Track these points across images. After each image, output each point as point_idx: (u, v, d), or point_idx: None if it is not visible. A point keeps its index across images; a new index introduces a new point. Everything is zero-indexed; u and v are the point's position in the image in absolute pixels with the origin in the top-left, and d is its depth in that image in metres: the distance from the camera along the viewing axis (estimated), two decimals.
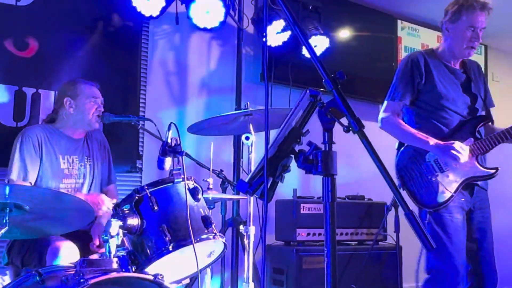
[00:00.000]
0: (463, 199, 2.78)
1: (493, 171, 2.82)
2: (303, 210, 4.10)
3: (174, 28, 4.30)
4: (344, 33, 5.26)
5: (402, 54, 5.71)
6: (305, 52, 4.47)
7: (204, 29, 4.11)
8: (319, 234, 4.12)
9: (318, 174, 1.41)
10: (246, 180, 1.50)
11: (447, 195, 2.74)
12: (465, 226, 2.79)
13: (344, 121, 1.43)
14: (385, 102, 3.01)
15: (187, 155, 3.38)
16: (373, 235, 4.30)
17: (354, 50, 5.34)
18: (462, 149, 2.74)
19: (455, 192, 2.75)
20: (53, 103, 3.42)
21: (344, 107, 1.39)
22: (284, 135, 1.52)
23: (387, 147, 5.40)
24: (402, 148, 2.94)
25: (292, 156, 1.55)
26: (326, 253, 1.37)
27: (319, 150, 1.43)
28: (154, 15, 3.75)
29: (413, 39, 5.82)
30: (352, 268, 4.07)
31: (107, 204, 2.88)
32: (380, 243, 4.37)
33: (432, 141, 2.76)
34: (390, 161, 5.23)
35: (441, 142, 2.76)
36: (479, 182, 2.85)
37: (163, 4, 3.76)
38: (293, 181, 4.38)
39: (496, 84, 6.42)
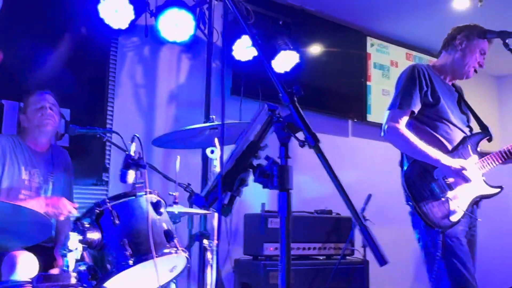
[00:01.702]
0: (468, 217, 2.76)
1: (498, 190, 2.80)
2: (271, 224, 4.09)
3: (144, 41, 4.29)
4: (315, 49, 5.31)
5: (372, 71, 5.79)
6: (274, 66, 4.50)
7: (174, 42, 4.11)
8: None
9: (274, 188, 1.41)
10: (203, 195, 1.49)
11: (459, 214, 2.67)
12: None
13: (300, 135, 1.43)
14: (390, 111, 2.81)
15: (154, 168, 3.36)
16: (341, 249, 4.30)
17: (325, 65, 5.39)
18: (472, 169, 2.71)
19: (466, 209, 2.70)
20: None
21: (301, 121, 1.39)
22: (242, 149, 1.51)
23: (360, 160, 5.48)
24: (408, 164, 2.80)
25: (251, 170, 1.54)
26: (280, 267, 1.36)
27: (276, 165, 1.43)
28: (123, 27, 3.72)
29: (382, 56, 5.91)
30: (320, 283, 4.07)
31: (68, 208, 2.83)
32: (347, 257, 4.38)
33: (444, 159, 2.68)
34: (358, 176, 5.29)
35: (453, 162, 2.69)
36: (478, 199, 2.80)
37: (132, 17, 3.74)
38: (262, 196, 4.37)
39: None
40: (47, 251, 2.90)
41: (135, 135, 2.40)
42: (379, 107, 5.71)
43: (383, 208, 4.88)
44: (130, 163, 2.38)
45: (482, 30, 2.90)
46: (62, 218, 2.83)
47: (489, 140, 2.94)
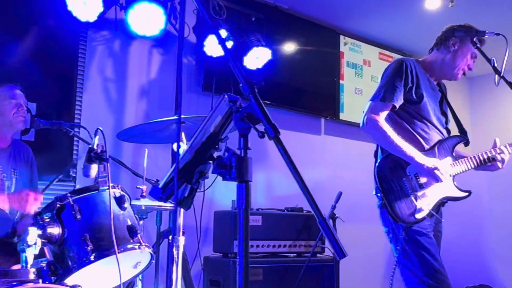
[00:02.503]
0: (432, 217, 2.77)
1: (466, 194, 2.81)
2: None
3: (114, 35, 4.22)
4: (288, 47, 5.30)
5: (345, 69, 5.80)
6: (246, 62, 4.47)
7: (144, 37, 4.05)
8: (257, 246, 4.09)
9: (232, 180, 1.38)
10: (160, 186, 1.45)
11: (424, 212, 2.69)
12: None
13: (260, 127, 1.41)
14: (372, 102, 2.80)
15: (121, 163, 3.31)
16: (311, 247, 4.30)
17: (298, 64, 5.38)
18: (445, 170, 2.73)
19: (432, 209, 2.71)
20: None
21: (261, 112, 1.37)
22: (201, 140, 1.48)
23: (332, 158, 5.49)
24: (382, 157, 2.81)
25: (211, 162, 1.51)
26: (238, 261, 1.34)
27: (235, 156, 1.40)
28: (91, 20, 3.65)
29: (355, 55, 5.93)
30: (290, 280, 4.06)
31: (32, 200, 2.76)
32: (318, 255, 4.38)
33: (418, 157, 2.69)
34: (330, 171, 5.29)
35: (427, 161, 2.70)
36: (445, 200, 2.82)
37: (101, 9, 3.67)
38: (233, 193, 4.34)
39: None
40: (10, 247, 2.82)
41: (99, 128, 2.36)
42: (351, 105, 5.73)
43: (354, 205, 4.90)
44: (92, 156, 2.34)
45: (474, 33, 2.87)
46: (27, 211, 2.76)
47: (466, 144, 2.96)
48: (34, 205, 2.77)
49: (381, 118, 2.74)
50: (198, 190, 3.54)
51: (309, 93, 5.51)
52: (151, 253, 2.42)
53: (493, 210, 5.03)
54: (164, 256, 3.72)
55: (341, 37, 5.80)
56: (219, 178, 1.49)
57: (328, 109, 5.66)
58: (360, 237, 5.29)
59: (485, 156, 2.89)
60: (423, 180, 2.73)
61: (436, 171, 2.69)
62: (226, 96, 1.46)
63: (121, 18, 3.95)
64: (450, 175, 2.79)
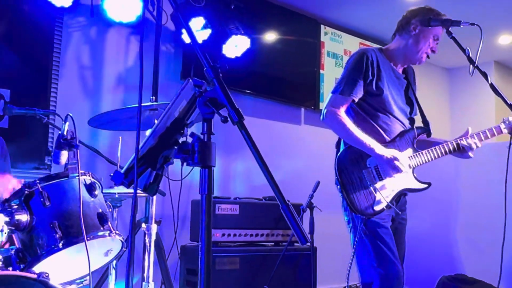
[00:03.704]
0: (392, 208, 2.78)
1: (426, 185, 2.81)
2: (218, 210, 4.05)
3: (90, 21, 4.16)
4: (268, 36, 5.28)
5: (325, 59, 5.80)
6: (226, 51, 4.45)
7: (122, 24, 4.00)
8: (234, 235, 4.09)
9: (195, 165, 1.36)
10: (122, 171, 1.43)
11: (383, 204, 2.69)
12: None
13: (224, 112, 1.39)
14: (332, 95, 2.80)
15: (95, 150, 3.27)
16: (289, 236, 4.31)
17: (278, 53, 5.36)
18: (404, 161, 2.73)
19: (390, 201, 2.71)
20: None
21: (224, 97, 1.35)
22: (165, 125, 1.46)
23: (312, 148, 5.49)
24: (343, 148, 2.80)
25: (176, 147, 1.49)
26: (200, 247, 1.32)
27: (198, 141, 1.38)
28: (66, 5, 3.60)
29: (336, 45, 5.93)
30: (266, 269, 4.06)
31: (14, 184, 2.71)
32: (295, 244, 4.39)
33: (378, 149, 2.68)
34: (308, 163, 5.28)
35: (386, 152, 2.70)
36: (406, 192, 2.82)
37: None
38: None
39: None
40: None
41: (69, 114, 2.32)
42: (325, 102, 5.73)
43: (331, 195, 4.90)
44: (62, 143, 2.30)
45: (435, 15, 2.85)
46: (7, 195, 2.72)
47: (428, 135, 2.96)
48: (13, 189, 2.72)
49: (341, 111, 2.74)
50: (175, 179, 3.51)
51: (289, 82, 5.50)
52: (122, 241, 2.39)
53: (465, 199, 5.10)
54: (140, 245, 3.71)
55: (322, 26, 5.79)
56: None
57: (308, 99, 5.66)
58: (337, 226, 5.28)
59: (450, 147, 2.88)
60: (382, 172, 2.73)
61: (395, 162, 2.68)
62: (190, 80, 1.44)
63: (97, 4, 3.90)
64: (410, 167, 2.80)
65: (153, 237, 2.49)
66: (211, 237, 1.34)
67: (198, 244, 4.02)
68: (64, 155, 2.35)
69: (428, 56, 2.96)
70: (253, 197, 4.43)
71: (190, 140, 1.47)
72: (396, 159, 2.69)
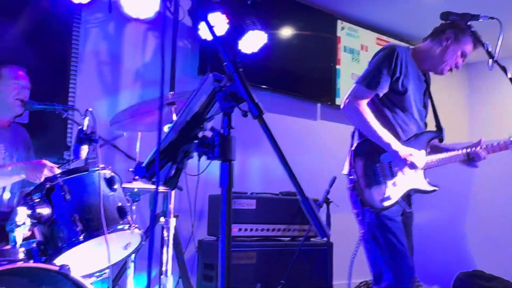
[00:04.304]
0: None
1: (434, 188, 2.81)
2: (235, 205, 4.07)
3: (108, 17, 4.19)
4: (284, 31, 5.27)
5: (342, 54, 5.78)
6: (241, 46, 4.45)
7: (140, 19, 4.03)
8: (251, 229, 4.11)
9: (215, 159, 1.37)
10: (143, 165, 1.45)
11: (392, 201, 2.70)
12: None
13: (244, 106, 1.40)
14: (356, 85, 2.77)
15: (113, 145, 3.30)
16: (305, 231, 4.31)
17: (294, 48, 5.35)
18: (421, 159, 2.73)
19: (398, 199, 2.72)
20: None
21: (244, 91, 1.36)
22: (185, 119, 1.48)
23: (327, 144, 5.48)
24: (359, 141, 2.80)
25: (196, 142, 1.51)
26: (220, 239, 1.34)
27: (218, 135, 1.39)
28: (84, 1, 3.63)
29: (352, 40, 5.90)
30: (283, 264, 4.07)
31: (49, 167, 2.76)
32: (312, 239, 4.39)
33: (395, 144, 2.67)
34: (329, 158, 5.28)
35: (403, 148, 2.69)
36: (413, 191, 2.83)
37: None
38: None
39: None
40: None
41: (88, 109, 2.35)
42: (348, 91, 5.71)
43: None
44: (82, 138, 2.33)
45: (475, 36, 2.82)
46: (42, 179, 2.76)
47: (440, 141, 2.96)
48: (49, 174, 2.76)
49: (363, 102, 2.73)
50: (192, 174, 3.54)
51: (305, 78, 5.49)
52: (141, 234, 2.42)
53: (478, 195, 5.07)
54: (157, 239, 3.74)
55: (339, 21, 5.77)
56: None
57: (324, 94, 5.65)
58: (353, 222, 5.29)
59: (461, 156, 2.88)
60: (395, 169, 2.73)
61: (411, 158, 2.68)
62: (210, 75, 1.45)
63: (115, 0, 3.93)
64: (421, 169, 2.79)
65: (172, 231, 2.51)
66: (231, 229, 1.36)
67: (215, 238, 4.06)
68: (84, 150, 2.38)
69: (451, 69, 2.94)
70: (269, 192, 4.44)
71: (209, 134, 1.49)
72: (412, 155, 2.68)
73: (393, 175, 2.73)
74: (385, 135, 2.69)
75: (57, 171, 2.78)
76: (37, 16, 3.79)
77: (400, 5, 5.47)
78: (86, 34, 4.14)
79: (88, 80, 4.13)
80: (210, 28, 1.46)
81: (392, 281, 2.66)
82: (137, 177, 2.93)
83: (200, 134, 1.52)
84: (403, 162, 2.69)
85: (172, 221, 2.57)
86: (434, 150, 2.89)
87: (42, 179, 2.74)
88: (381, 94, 2.77)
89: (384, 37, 6.16)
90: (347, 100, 2.75)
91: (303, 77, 5.47)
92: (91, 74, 4.16)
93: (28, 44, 3.73)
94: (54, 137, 3.90)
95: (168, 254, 2.48)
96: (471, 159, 2.88)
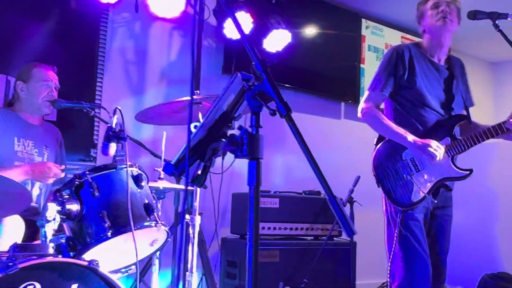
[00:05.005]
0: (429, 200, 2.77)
1: (467, 172, 2.77)
2: None
3: (135, 16, 4.24)
4: (308, 30, 5.27)
5: (366, 53, 5.75)
6: (266, 45, 4.47)
7: (165, 19, 4.07)
8: (274, 228, 4.12)
9: (243, 157, 1.39)
10: (173, 163, 1.47)
11: (421, 195, 2.71)
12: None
13: (272, 105, 1.41)
14: (367, 92, 2.94)
15: (140, 144, 3.35)
16: (328, 230, 4.31)
17: (318, 47, 5.35)
18: (439, 148, 2.71)
19: (428, 192, 2.73)
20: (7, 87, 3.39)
21: (273, 90, 1.37)
22: (214, 118, 1.50)
23: (351, 143, 5.46)
24: (380, 145, 2.89)
25: (224, 140, 1.53)
26: (248, 237, 1.35)
27: (247, 133, 1.41)
28: (112, 1, 3.69)
29: (377, 39, 5.87)
30: (306, 263, 4.08)
31: (54, 170, 2.82)
32: (335, 239, 4.39)
33: (410, 137, 2.72)
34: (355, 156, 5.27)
35: (419, 140, 2.72)
36: (447, 182, 2.80)
37: None
38: None
39: None
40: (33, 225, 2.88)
41: (117, 108, 2.39)
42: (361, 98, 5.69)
43: (372, 190, 4.87)
44: (111, 135, 2.37)
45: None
46: (50, 181, 2.83)
47: (469, 122, 2.92)
48: (54, 176, 2.82)
49: (374, 106, 2.87)
50: (216, 172, 3.56)
51: (330, 77, 5.48)
52: (167, 231, 2.45)
53: (505, 197, 5.00)
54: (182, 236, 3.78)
55: (363, 20, 5.75)
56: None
57: (348, 93, 5.63)
58: (377, 221, 5.25)
59: (492, 130, 2.77)
60: (419, 163, 2.77)
61: (429, 148, 2.69)
62: (239, 74, 1.47)
63: (142, 0, 3.98)
64: (449, 155, 2.77)
65: (197, 229, 2.54)
66: (258, 226, 1.37)
67: (238, 236, 4.08)
68: (112, 147, 2.42)
69: (444, 20, 2.86)
70: (292, 191, 4.45)
71: (237, 133, 1.50)
72: (429, 145, 2.69)
73: (417, 169, 2.76)
74: (400, 130, 2.77)
75: (62, 174, 2.86)
76: (65, 16, 3.87)
77: None
78: (113, 33, 4.20)
79: (114, 78, 4.19)
80: (238, 26, 1.48)
81: (404, 281, 2.70)
82: (162, 175, 2.96)
83: (228, 133, 1.54)
84: (423, 154, 2.71)
85: (197, 219, 2.60)
86: (466, 131, 2.88)
87: (49, 181, 2.81)
88: (388, 94, 2.86)
89: (409, 36, 6.10)
90: (361, 107, 2.90)
91: (327, 76, 5.46)
92: (118, 73, 4.22)
93: (56, 44, 3.80)
94: (81, 134, 3.97)
95: (193, 251, 2.51)
96: (507, 132, 2.78)
